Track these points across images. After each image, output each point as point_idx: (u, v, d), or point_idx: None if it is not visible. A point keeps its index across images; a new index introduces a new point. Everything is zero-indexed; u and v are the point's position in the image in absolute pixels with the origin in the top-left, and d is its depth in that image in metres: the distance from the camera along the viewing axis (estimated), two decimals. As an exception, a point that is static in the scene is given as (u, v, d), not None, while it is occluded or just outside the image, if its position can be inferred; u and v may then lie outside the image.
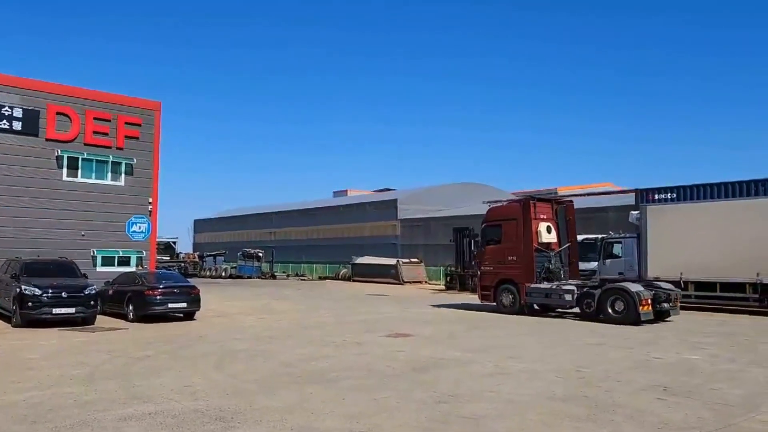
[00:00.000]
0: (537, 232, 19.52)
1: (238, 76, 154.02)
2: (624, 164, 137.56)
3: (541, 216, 19.92)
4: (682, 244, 21.03)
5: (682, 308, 21.44)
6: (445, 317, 18.94)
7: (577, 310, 18.23)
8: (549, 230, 19.87)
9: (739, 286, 19.86)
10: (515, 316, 18.93)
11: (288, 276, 54.19)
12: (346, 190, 77.73)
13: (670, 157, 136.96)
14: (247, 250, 54.76)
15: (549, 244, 19.85)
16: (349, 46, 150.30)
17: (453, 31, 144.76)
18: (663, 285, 18.04)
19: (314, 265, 55.39)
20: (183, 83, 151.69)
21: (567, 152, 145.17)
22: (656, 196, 28.92)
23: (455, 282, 34.03)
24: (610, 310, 17.00)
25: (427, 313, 20.45)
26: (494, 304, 20.14)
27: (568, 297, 18.19)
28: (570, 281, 19.40)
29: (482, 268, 20.82)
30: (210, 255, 58.67)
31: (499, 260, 20.03)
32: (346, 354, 11.57)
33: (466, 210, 49.14)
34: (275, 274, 52.81)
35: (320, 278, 50.82)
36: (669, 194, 28.59)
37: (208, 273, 54.33)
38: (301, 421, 6.76)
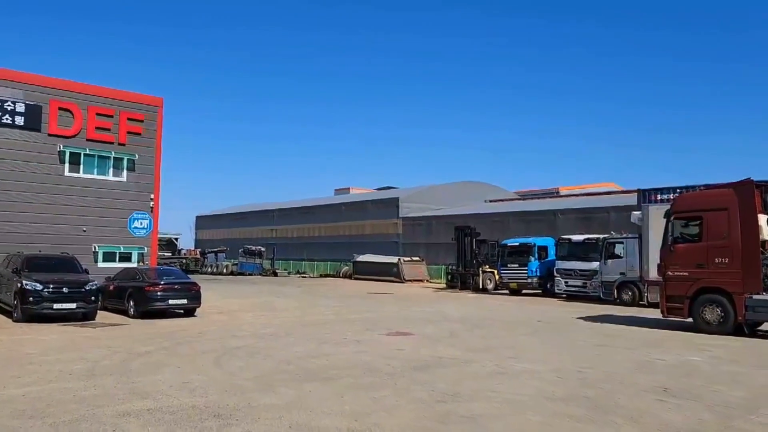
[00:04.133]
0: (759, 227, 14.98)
1: (242, 74, 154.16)
2: (626, 165, 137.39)
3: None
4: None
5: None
6: (447, 316, 18.89)
7: None
8: None
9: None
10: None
11: (289, 273, 54.19)
12: (348, 188, 77.60)
13: (673, 158, 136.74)
14: (249, 247, 54.76)
15: (765, 242, 15.32)
16: (351, 47, 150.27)
17: (455, 34, 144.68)
18: None
19: (315, 263, 55.36)
20: (186, 81, 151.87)
21: (569, 152, 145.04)
22: (659, 197, 28.87)
23: (456, 281, 34.04)
24: None
25: (428, 311, 20.41)
26: (688, 320, 15.72)
27: None
28: None
29: (669, 272, 16.05)
30: (211, 252, 58.70)
31: (699, 263, 15.47)
32: (346, 352, 11.55)
33: (468, 209, 49.08)
34: (276, 271, 52.81)
35: (321, 276, 50.83)
36: (671, 194, 28.52)
37: (209, 270, 54.36)
38: (299, 419, 6.74)
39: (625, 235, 24.72)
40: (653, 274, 21.97)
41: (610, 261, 24.44)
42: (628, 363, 10.73)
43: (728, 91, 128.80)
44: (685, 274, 15.73)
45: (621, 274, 23.95)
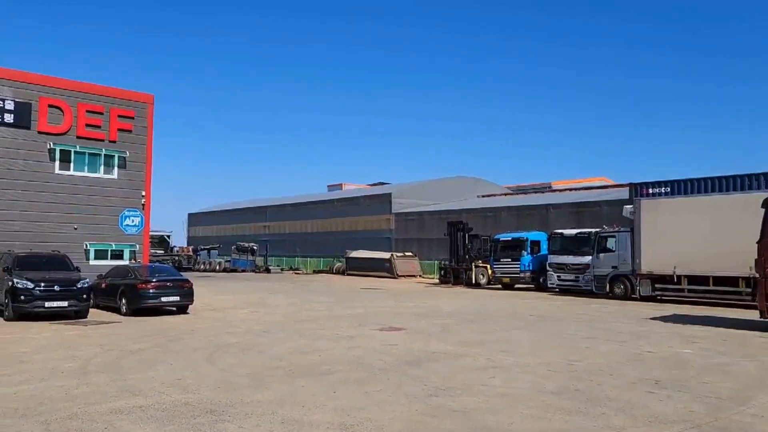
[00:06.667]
0: None
1: (233, 68, 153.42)
2: (618, 159, 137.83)
3: None
4: (676, 238, 21.09)
5: (674, 302, 21.60)
6: (440, 311, 18.93)
7: None
8: None
9: (732, 280, 19.92)
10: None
11: (282, 270, 54.11)
12: (341, 184, 77.54)
13: (665, 152, 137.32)
14: (242, 243, 54.63)
15: None
16: (345, 39, 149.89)
17: (449, 26, 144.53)
18: None
19: (308, 259, 55.29)
20: (177, 75, 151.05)
21: (562, 147, 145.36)
22: (650, 190, 29.00)
23: (449, 276, 34.09)
24: None
25: (421, 306, 20.44)
26: None
27: None
28: None
29: None
30: (204, 249, 58.50)
31: None
32: (338, 347, 11.57)
33: (461, 204, 49.14)
34: (269, 267, 52.74)
35: (314, 272, 50.80)
36: (663, 188, 28.68)
37: (202, 267, 54.19)
38: (291, 415, 6.74)
39: (617, 229, 24.81)
40: (646, 267, 22.16)
41: (602, 255, 24.54)
42: (618, 356, 10.79)
43: (721, 84, 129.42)
44: None
45: (613, 267, 24.06)
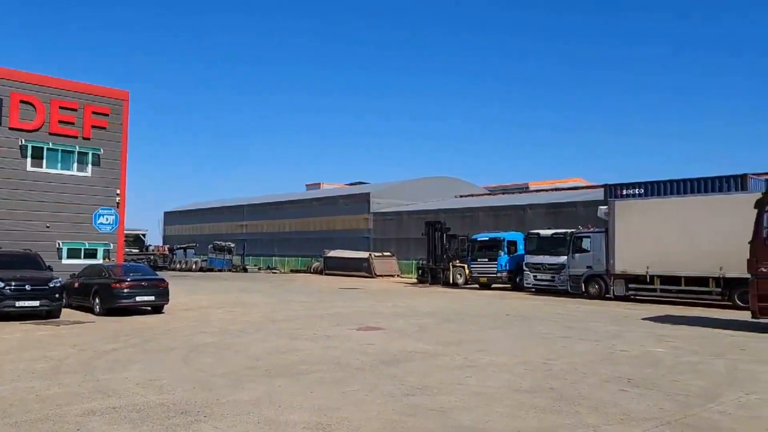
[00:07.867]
0: None
1: (210, 66, 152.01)
2: (594, 160, 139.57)
3: None
4: (649, 238, 21.45)
5: (647, 302, 21.95)
6: (417, 310, 18.99)
7: None
8: None
9: (702, 280, 20.32)
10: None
11: (260, 269, 53.82)
12: (319, 184, 77.42)
13: (640, 154, 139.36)
14: (218, 242, 54.21)
15: None
16: (323, 38, 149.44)
17: (425, 24, 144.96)
18: None
19: (286, 259, 55.06)
20: (153, 73, 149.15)
21: (537, 147, 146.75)
22: (624, 191, 29.50)
23: (427, 275, 34.24)
24: None
25: (399, 306, 20.50)
26: None
27: None
28: None
29: (762, 269, 13.79)
30: (180, 248, 57.91)
31: None
32: (316, 347, 11.55)
33: (438, 204, 49.36)
34: (246, 267, 52.41)
35: (292, 271, 50.61)
36: (637, 189, 29.20)
37: (178, 266, 53.64)
38: (268, 415, 6.72)
39: (591, 230, 25.14)
40: (619, 267, 22.49)
41: (577, 255, 24.83)
42: (593, 355, 10.95)
43: (696, 85, 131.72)
44: None
45: (588, 267, 24.37)
